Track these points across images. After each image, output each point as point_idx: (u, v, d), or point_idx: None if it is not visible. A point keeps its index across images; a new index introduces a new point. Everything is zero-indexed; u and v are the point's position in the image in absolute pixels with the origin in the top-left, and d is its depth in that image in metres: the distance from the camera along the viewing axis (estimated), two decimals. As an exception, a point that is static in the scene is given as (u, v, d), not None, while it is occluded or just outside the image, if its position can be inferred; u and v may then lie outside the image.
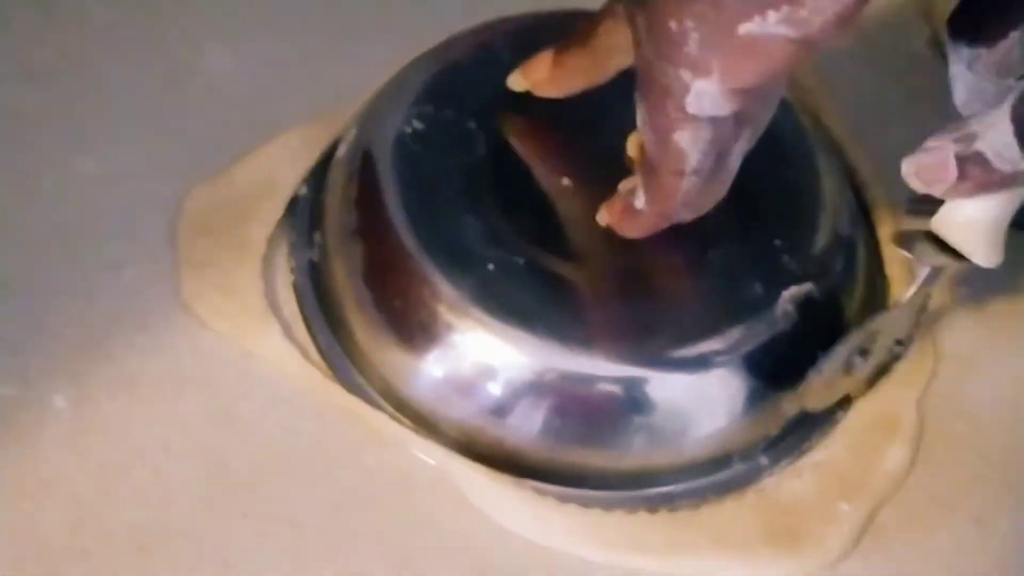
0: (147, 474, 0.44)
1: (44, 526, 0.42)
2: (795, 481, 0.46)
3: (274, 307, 0.48)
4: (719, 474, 0.46)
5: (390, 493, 0.44)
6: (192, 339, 0.47)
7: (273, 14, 0.57)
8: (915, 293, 0.46)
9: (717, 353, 0.44)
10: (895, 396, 0.48)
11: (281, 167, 0.51)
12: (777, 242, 0.47)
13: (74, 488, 0.43)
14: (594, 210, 0.47)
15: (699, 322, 0.45)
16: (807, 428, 0.47)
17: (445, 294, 0.44)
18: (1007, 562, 0.45)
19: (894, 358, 0.49)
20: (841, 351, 0.46)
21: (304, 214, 0.50)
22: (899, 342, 0.49)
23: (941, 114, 0.57)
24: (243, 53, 0.55)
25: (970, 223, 0.42)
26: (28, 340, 0.46)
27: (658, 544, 0.44)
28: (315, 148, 0.52)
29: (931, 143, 0.40)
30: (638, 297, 0.45)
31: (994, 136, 0.39)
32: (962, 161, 0.39)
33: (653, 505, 0.45)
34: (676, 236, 0.46)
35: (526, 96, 0.49)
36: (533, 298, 0.44)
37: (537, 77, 0.47)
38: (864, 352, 0.47)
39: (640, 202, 0.43)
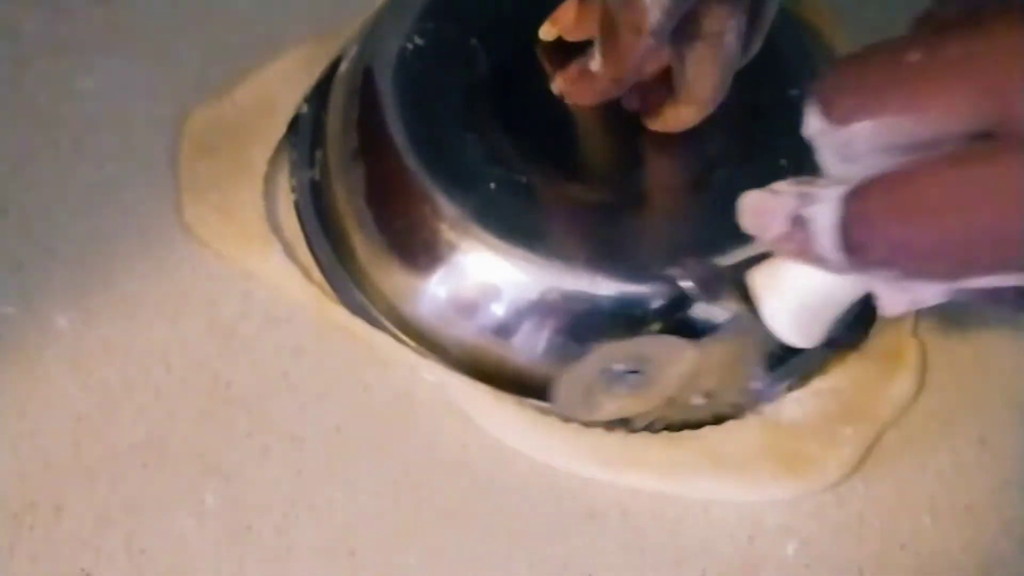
0: (149, 393, 0.44)
1: (46, 443, 0.42)
2: (796, 406, 0.45)
3: (275, 227, 0.48)
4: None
5: (391, 411, 0.44)
6: (193, 259, 0.47)
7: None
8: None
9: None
10: (895, 328, 0.48)
11: (282, 86, 0.50)
12: (782, 162, 0.46)
13: (76, 407, 0.43)
14: (597, 129, 0.46)
15: (702, 242, 0.44)
16: (811, 352, 0.46)
17: (447, 213, 0.44)
18: (1010, 481, 0.45)
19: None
20: (592, 361, 0.42)
21: (305, 133, 0.50)
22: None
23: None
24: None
25: (783, 290, 0.36)
26: (28, 259, 0.46)
27: (658, 463, 0.44)
28: (316, 67, 0.51)
29: (778, 186, 0.35)
30: (641, 216, 0.45)
31: (824, 212, 0.32)
32: (794, 220, 0.33)
33: (655, 425, 0.45)
34: (681, 156, 0.46)
35: (529, 15, 0.48)
36: (535, 217, 0.44)
37: (564, 23, 0.47)
38: (635, 372, 0.43)
39: (595, 64, 0.43)
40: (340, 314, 0.46)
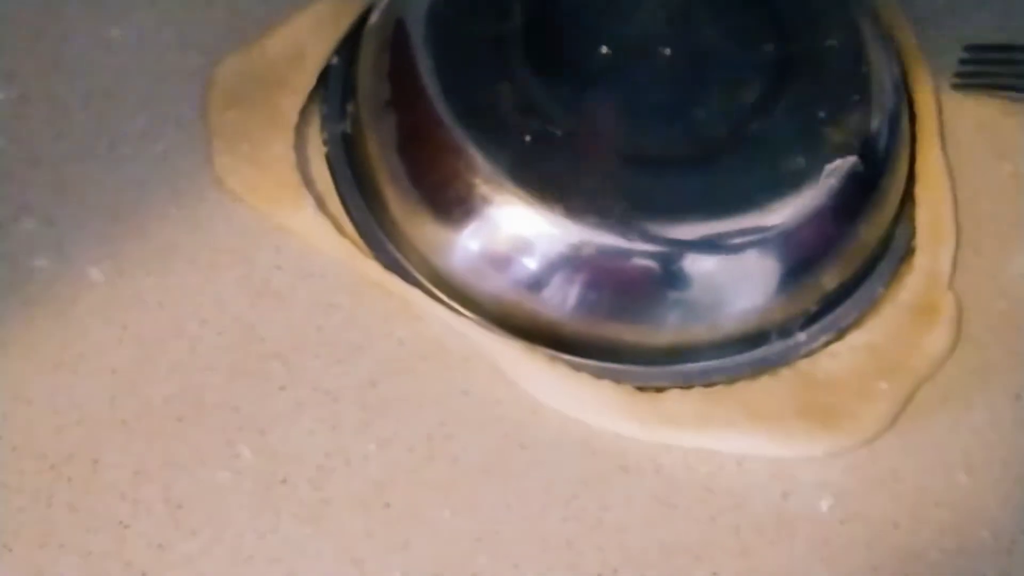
0: (183, 346, 0.44)
1: (82, 397, 0.43)
2: (832, 360, 0.45)
3: (307, 180, 0.47)
4: (755, 351, 0.45)
5: (424, 365, 0.44)
6: (225, 212, 0.47)
7: None
8: None
9: (756, 228, 0.43)
10: (930, 281, 0.48)
11: (311, 37, 0.50)
12: (821, 114, 0.46)
13: (111, 360, 0.43)
14: (632, 79, 0.46)
15: (738, 196, 0.44)
16: (846, 306, 0.46)
17: (481, 167, 0.43)
18: (1047, 437, 0.45)
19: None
20: None
21: (336, 86, 0.49)
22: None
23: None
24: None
25: None
26: (61, 211, 0.46)
27: (692, 419, 0.44)
28: (345, 18, 0.51)
29: None
30: (677, 171, 0.45)
31: None
32: None
33: (688, 381, 0.45)
34: (718, 108, 0.46)
35: None
36: (570, 171, 0.44)
37: None
38: None
39: None
40: (373, 268, 0.46)
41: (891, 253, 0.48)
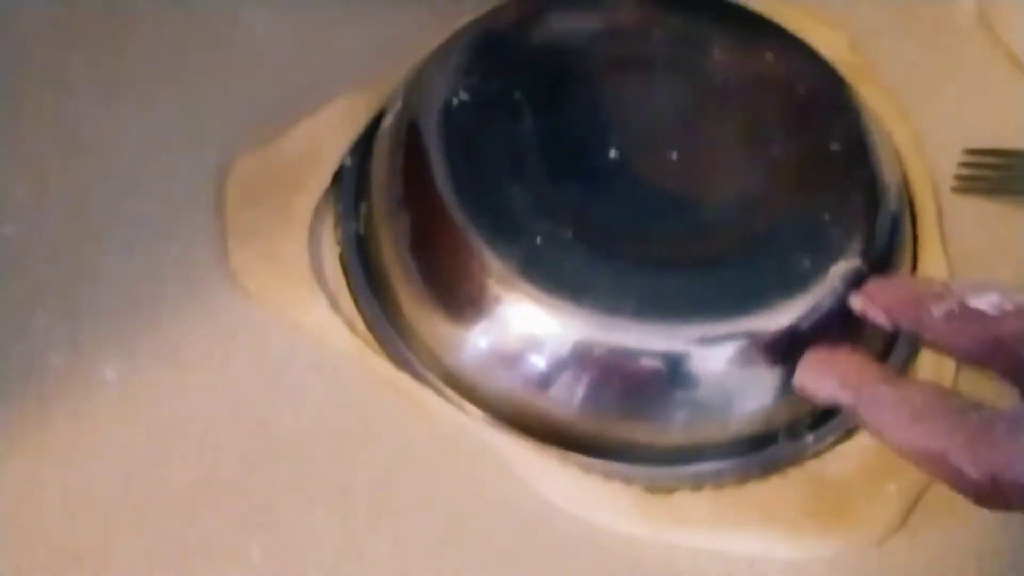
0: (195, 441, 0.44)
1: (95, 491, 0.43)
2: (841, 461, 0.46)
3: (320, 278, 0.48)
4: (764, 451, 0.46)
5: (435, 463, 0.45)
6: (238, 307, 0.47)
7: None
8: None
9: (765, 330, 0.44)
10: (935, 381, 0.48)
11: (326, 137, 0.51)
12: (826, 216, 0.47)
13: (124, 455, 0.43)
14: (641, 181, 0.47)
15: (747, 297, 0.44)
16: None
17: (494, 267, 0.44)
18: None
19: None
20: None
21: (349, 185, 0.50)
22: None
23: (984, 86, 0.58)
24: (285, 16, 0.55)
25: None
26: (76, 306, 0.46)
27: (703, 520, 0.44)
28: (359, 119, 0.52)
29: None
30: (686, 271, 0.45)
31: None
32: None
33: (699, 481, 0.45)
34: (725, 209, 0.46)
35: (572, 68, 0.49)
36: (581, 271, 0.44)
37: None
38: None
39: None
40: (384, 366, 0.46)
41: (895, 354, 0.49)
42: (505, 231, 0.45)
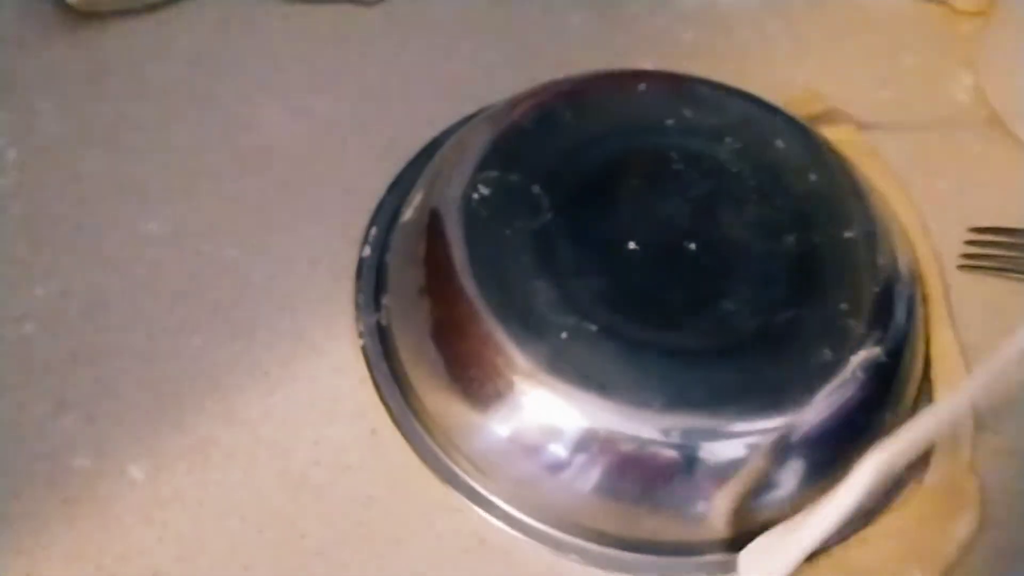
0: (223, 544, 0.44)
1: (124, 597, 0.43)
2: (865, 548, 0.46)
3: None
4: None
5: (465, 558, 0.45)
6: (263, 404, 0.47)
7: (325, 73, 0.58)
8: None
9: (791, 423, 0.44)
10: (953, 463, 0.49)
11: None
12: (843, 306, 0.47)
13: (152, 560, 0.43)
14: (660, 274, 0.47)
15: (771, 389, 0.45)
16: (879, 493, 0.47)
17: (519, 364, 0.44)
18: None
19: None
20: None
21: (370, 276, 0.50)
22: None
23: (985, 163, 0.59)
24: (297, 111, 0.56)
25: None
26: (101, 407, 0.46)
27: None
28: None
29: None
30: (709, 364, 0.46)
31: None
32: None
33: (725, 572, 0.45)
34: (744, 300, 0.47)
35: (588, 158, 0.50)
36: (607, 365, 0.45)
37: None
38: None
39: None
40: (410, 461, 0.46)
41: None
42: (530, 327, 0.45)
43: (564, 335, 0.45)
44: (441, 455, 0.47)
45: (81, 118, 0.55)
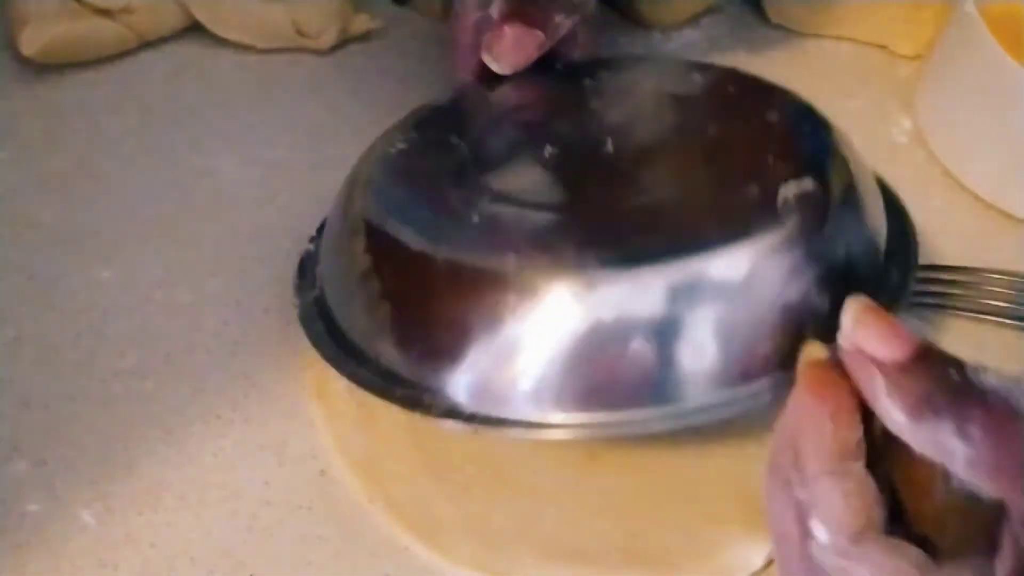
0: (174, 586, 0.45)
1: (75, 640, 0.43)
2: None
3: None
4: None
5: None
6: (215, 446, 0.48)
7: (277, 121, 0.59)
8: None
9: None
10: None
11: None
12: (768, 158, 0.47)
13: (103, 601, 0.44)
14: (579, 166, 0.48)
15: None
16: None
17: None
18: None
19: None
20: None
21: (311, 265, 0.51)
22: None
23: (922, 204, 0.60)
24: (248, 159, 0.57)
25: None
26: (52, 452, 0.47)
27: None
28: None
29: None
30: (640, 226, 0.45)
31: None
32: None
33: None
34: (666, 177, 0.47)
35: (508, 117, 0.52)
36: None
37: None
38: None
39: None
40: (359, 500, 0.47)
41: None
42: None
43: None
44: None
45: (36, 167, 0.56)
